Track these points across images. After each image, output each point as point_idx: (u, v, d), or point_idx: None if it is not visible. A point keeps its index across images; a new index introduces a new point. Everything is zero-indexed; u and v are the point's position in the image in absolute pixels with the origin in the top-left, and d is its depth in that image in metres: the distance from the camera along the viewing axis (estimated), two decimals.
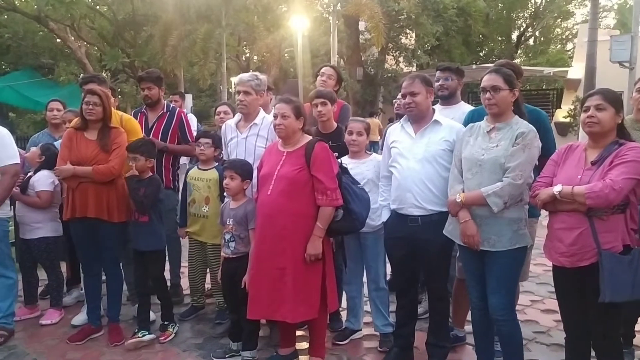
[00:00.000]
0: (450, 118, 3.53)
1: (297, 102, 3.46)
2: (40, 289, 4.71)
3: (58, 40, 20.78)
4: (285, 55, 23.71)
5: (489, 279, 3.02)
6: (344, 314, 4.17)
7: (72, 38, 20.27)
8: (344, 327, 4.06)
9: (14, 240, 4.36)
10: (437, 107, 3.85)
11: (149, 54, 20.42)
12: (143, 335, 3.89)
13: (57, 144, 4.34)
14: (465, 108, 3.91)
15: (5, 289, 4.03)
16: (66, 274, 4.78)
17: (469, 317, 3.53)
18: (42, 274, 4.55)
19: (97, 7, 21.99)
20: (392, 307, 3.86)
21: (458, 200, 2.99)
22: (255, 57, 25.21)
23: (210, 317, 4.36)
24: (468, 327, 3.66)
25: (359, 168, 3.70)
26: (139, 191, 3.77)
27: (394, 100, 5.03)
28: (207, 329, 4.18)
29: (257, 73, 3.99)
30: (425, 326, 3.62)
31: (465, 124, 3.35)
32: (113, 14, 21.09)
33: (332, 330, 4.02)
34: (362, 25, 20.71)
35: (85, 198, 3.79)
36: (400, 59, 22.49)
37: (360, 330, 4.03)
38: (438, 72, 4.05)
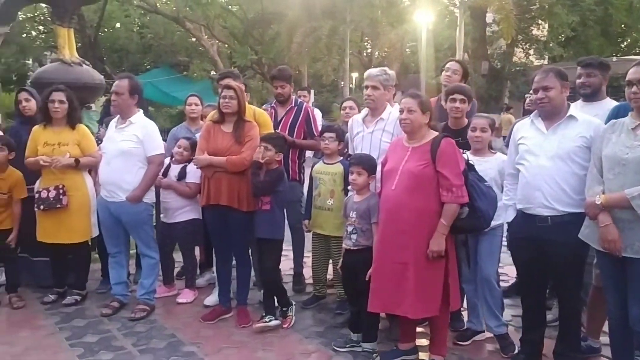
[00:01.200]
0: (593, 115, 3.30)
1: (423, 97, 3.43)
2: (176, 271, 5.10)
3: (193, 39, 22.28)
4: (407, 50, 23.48)
5: (631, 288, 2.80)
6: (465, 314, 4.08)
7: (206, 37, 21.66)
8: (465, 327, 3.97)
9: (154, 224, 4.75)
10: (579, 103, 3.63)
11: (275, 51, 21.27)
12: (270, 321, 4.06)
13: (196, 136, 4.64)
14: (610, 104, 3.60)
15: (149, 268, 4.44)
16: (200, 258, 5.13)
17: (605, 328, 3.30)
18: (176, 257, 4.92)
19: (230, 6, 23.26)
20: (513, 311, 3.71)
21: (598, 202, 2.80)
22: (377, 53, 25.22)
23: (331, 306, 4.46)
24: (604, 339, 3.42)
25: (482, 165, 3.58)
26: (259, 176, 3.94)
27: (526, 95, 4.78)
28: (328, 319, 4.29)
29: (385, 68, 4.02)
30: (555, 334, 3.44)
31: (610, 120, 3.12)
32: (244, 13, 22.21)
33: (454, 329, 3.94)
34: (489, 17, 19.91)
35: (219, 186, 4.03)
36: (531, 51, 21.35)
37: (483, 332, 3.90)
38: (579, 68, 3.77)
